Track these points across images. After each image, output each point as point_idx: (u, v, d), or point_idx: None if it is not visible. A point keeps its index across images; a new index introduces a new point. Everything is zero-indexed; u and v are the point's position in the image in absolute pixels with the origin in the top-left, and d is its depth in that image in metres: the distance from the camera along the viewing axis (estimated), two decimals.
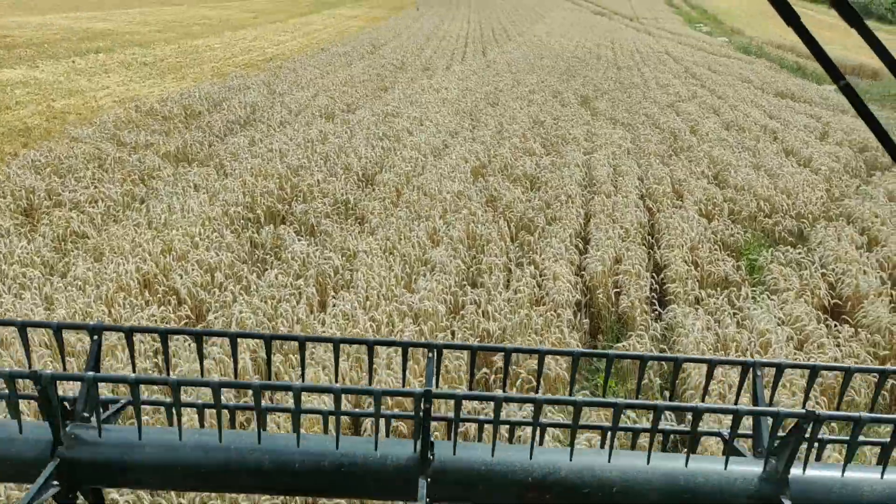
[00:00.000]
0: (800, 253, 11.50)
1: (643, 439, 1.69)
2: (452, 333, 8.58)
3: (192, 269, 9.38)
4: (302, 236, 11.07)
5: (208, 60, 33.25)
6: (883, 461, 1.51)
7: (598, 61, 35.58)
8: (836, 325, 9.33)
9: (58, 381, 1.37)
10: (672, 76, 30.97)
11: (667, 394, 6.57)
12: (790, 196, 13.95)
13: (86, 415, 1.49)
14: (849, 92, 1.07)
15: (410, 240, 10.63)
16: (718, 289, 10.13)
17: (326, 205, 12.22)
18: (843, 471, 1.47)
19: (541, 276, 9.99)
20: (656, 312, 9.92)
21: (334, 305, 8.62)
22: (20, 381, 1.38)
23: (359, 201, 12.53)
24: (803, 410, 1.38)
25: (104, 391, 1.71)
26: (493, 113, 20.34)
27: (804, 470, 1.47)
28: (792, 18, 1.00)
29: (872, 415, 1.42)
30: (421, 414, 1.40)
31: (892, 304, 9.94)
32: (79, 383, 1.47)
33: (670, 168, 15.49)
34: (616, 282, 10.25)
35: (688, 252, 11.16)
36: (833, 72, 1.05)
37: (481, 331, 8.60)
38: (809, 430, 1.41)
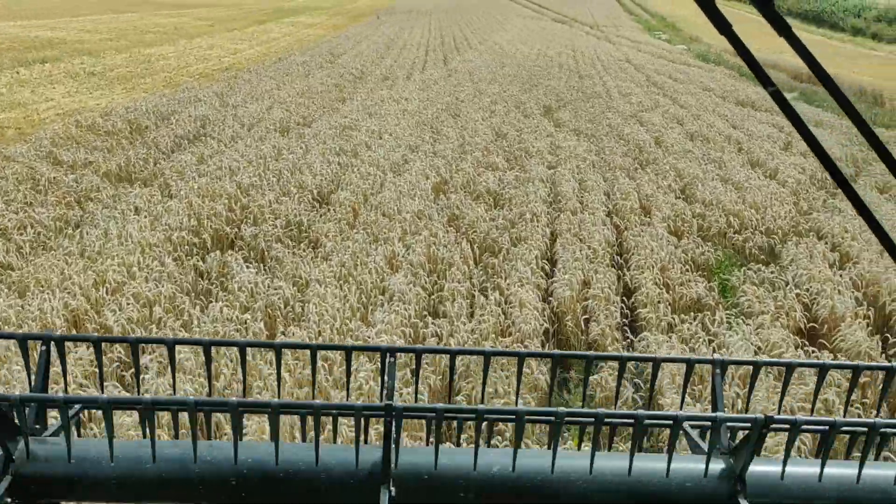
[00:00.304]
0: (772, 272, 11.05)
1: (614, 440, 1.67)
2: (412, 371, 7.91)
3: (128, 304, 8.57)
4: (251, 263, 10.30)
5: (161, 70, 32.18)
6: (822, 457, 1.48)
7: (560, 70, 35.28)
8: (813, 351, 8.88)
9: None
10: (634, 85, 30.74)
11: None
12: (759, 210, 13.55)
13: (38, 427, 1.45)
14: (778, 98, 1.08)
15: (367, 265, 9.93)
16: (692, 312, 9.62)
17: (278, 227, 11.47)
18: (785, 467, 1.48)
19: (506, 302, 9.38)
20: (628, 340, 9.36)
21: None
22: None
23: (313, 223, 11.79)
24: (761, 416, 1.37)
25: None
26: (455, 125, 19.75)
27: (761, 469, 1.47)
28: (723, 26, 1.01)
29: (811, 417, 1.46)
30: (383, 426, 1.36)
31: (870, 328, 9.53)
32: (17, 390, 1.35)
33: (637, 182, 15.04)
34: (585, 307, 9.68)
35: (658, 273, 10.64)
36: (763, 78, 1.06)
37: (444, 367, 7.94)
38: (765, 432, 1.40)
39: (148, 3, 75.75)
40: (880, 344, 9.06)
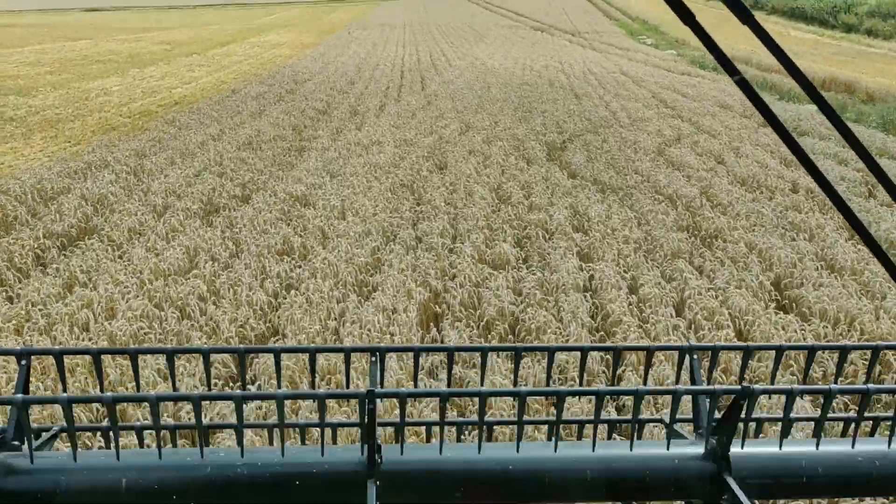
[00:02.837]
0: None
1: (589, 430, 1.63)
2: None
3: None
4: None
5: (97, 109, 26.87)
6: (816, 434, 1.50)
7: (552, 88, 30.32)
8: None
9: None
10: (642, 105, 25.83)
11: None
12: None
13: (16, 443, 1.39)
14: (744, 86, 1.06)
15: None
16: None
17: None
18: (781, 445, 1.48)
19: None
20: None
21: None
22: None
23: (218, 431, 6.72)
24: (739, 387, 1.35)
25: (40, 420, 2.04)
26: (442, 182, 14.70)
27: (743, 447, 1.45)
28: (687, 17, 0.99)
29: (804, 387, 1.45)
30: (366, 417, 1.33)
31: None
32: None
33: (711, 280, 10.11)
34: None
35: None
36: (728, 66, 1.04)
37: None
38: (745, 406, 1.39)
39: (108, 28, 70.11)
40: None
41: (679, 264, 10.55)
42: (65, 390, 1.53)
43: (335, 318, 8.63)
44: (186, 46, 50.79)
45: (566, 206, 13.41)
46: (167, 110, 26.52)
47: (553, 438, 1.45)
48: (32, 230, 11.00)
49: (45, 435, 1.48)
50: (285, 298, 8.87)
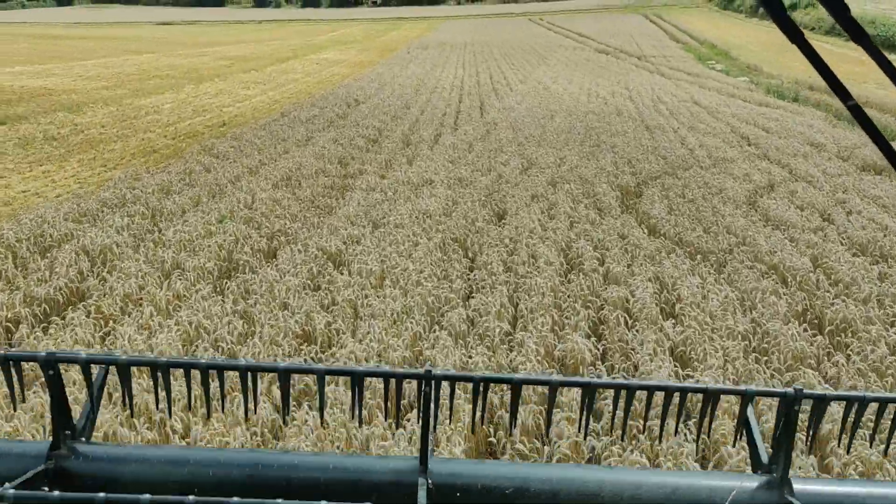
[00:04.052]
0: None
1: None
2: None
3: None
4: None
5: (144, 128, 25.48)
6: (851, 428, 1.43)
7: (621, 118, 27.77)
8: None
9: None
10: (721, 142, 23.08)
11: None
12: None
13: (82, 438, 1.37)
14: (858, 113, 0.95)
15: None
16: None
17: None
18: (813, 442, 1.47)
19: None
20: None
21: None
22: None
23: None
24: (788, 389, 1.31)
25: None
26: (500, 239, 12.39)
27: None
28: (794, 33, 0.91)
29: (840, 392, 1.40)
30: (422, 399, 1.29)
31: None
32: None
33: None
34: None
35: None
36: (840, 92, 0.93)
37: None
38: (797, 409, 1.33)
39: (175, 42, 70.22)
40: None
41: (806, 375, 7.99)
42: (130, 402, 1.52)
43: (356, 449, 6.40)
44: (246, 62, 49.85)
45: (650, 276, 10.93)
46: (213, 131, 24.96)
47: (614, 464, 1.43)
48: (11, 293, 9.08)
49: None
50: (294, 419, 6.65)
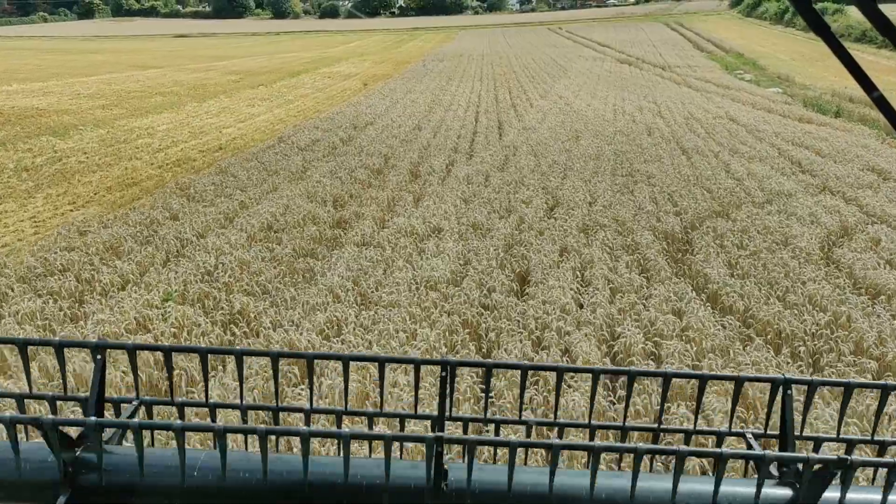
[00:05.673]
0: None
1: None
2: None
3: None
4: None
5: (130, 155, 22.91)
6: (840, 412, 1.51)
7: (652, 138, 24.78)
8: None
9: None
10: (770, 168, 20.02)
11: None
12: None
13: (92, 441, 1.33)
14: (882, 104, 0.98)
15: None
16: None
17: None
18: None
19: None
20: None
21: None
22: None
23: None
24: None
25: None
26: (524, 321, 9.45)
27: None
28: (819, 26, 0.91)
29: (827, 378, 1.39)
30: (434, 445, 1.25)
31: None
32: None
33: None
34: None
35: None
36: (865, 82, 0.95)
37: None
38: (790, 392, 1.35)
39: (185, 56, 68.07)
40: None
41: None
42: (137, 385, 1.56)
43: None
44: (255, 77, 47.40)
45: (723, 378, 8.00)
46: (207, 157, 22.36)
47: (631, 471, 1.30)
48: None
49: (123, 412, 1.48)
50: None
